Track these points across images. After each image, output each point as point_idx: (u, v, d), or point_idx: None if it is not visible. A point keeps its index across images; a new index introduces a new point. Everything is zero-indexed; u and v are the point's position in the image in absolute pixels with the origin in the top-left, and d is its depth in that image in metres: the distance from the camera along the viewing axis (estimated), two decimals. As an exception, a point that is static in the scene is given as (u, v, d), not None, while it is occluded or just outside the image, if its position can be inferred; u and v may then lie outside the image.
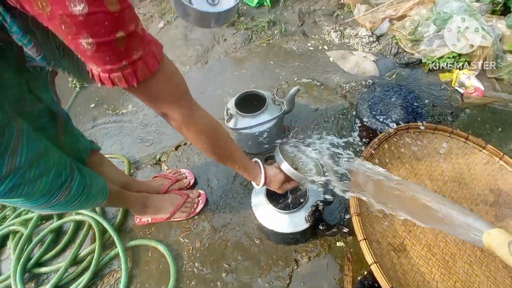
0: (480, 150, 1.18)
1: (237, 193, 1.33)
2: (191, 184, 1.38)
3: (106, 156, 1.53)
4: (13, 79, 0.70)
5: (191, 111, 0.69)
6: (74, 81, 1.93)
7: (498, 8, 1.89)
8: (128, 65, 0.49)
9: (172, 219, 1.26)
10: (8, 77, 0.68)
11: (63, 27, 0.42)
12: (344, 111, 1.55)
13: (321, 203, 1.05)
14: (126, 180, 1.23)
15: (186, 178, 1.38)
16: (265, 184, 0.93)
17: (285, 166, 0.94)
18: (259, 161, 0.94)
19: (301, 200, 1.08)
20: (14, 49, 0.69)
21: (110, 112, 1.76)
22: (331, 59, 1.84)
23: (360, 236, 0.88)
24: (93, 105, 1.82)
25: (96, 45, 0.44)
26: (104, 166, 1.14)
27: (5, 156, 0.62)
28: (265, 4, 2.18)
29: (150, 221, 1.26)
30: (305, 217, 1.04)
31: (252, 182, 0.96)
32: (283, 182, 0.96)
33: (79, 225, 1.31)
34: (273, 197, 1.09)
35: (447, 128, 1.20)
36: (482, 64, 1.64)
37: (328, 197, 1.08)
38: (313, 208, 1.04)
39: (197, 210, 1.28)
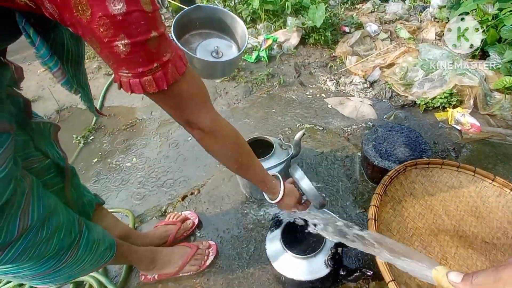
0: (490, 183, 1.18)
1: (249, 241, 1.27)
2: (195, 224, 1.33)
3: (110, 210, 1.49)
4: (20, 135, 0.70)
5: (216, 115, 0.68)
6: (78, 137, 1.95)
7: (477, 53, 2.06)
8: (159, 67, 0.50)
9: (181, 274, 1.18)
10: (16, 133, 0.69)
11: (101, 30, 0.43)
12: (349, 152, 1.58)
13: (340, 246, 1.00)
14: (130, 234, 1.18)
15: (189, 219, 1.34)
16: (282, 198, 0.89)
17: (306, 182, 0.91)
18: (277, 174, 0.92)
19: (318, 245, 1.03)
20: (21, 105, 0.71)
21: (114, 166, 1.75)
22: (329, 105, 1.92)
23: (387, 277, 0.83)
24: (95, 159, 1.82)
25: (131, 46, 0.45)
26: (109, 220, 1.10)
27: (17, 216, 0.59)
28: (262, 59, 2.35)
29: (156, 277, 1.17)
30: (325, 262, 0.99)
31: (266, 196, 0.93)
32: (298, 199, 0.94)
33: (78, 286, 1.21)
34: (289, 243, 1.05)
35: (454, 163, 1.22)
36: (474, 102, 1.73)
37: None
38: (332, 251, 0.99)
39: (208, 263, 1.20)
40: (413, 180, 1.20)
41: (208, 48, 1.02)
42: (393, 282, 0.81)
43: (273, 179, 0.89)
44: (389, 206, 1.09)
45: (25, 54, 2.87)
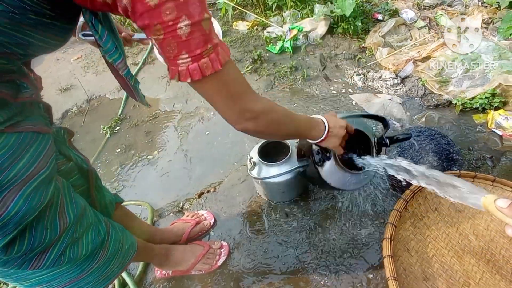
0: (530, 201, 1.06)
1: (262, 245, 1.26)
2: (211, 225, 1.36)
3: (131, 202, 1.55)
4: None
5: (261, 96, 0.70)
6: (105, 128, 2.02)
7: (529, 46, 1.83)
8: (212, 48, 0.55)
9: (193, 272, 1.21)
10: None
11: (167, 13, 0.48)
12: (372, 156, 1.49)
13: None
14: (149, 230, 1.22)
15: (205, 219, 1.36)
16: (327, 135, 0.83)
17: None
18: (318, 115, 0.87)
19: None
20: (42, 110, 0.73)
21: (137, 158, 1.80)
22: (354, 102, 1.82)
23: (388, 273, 0.79)
24: (118, 150, 1.88)
25: (191, 27, 0.50)
26: (128, 219, 1.13)
27: (56, 215, 0.63)
28: (287, 50, 2.25)
29: (170, 274, 1.21)
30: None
31: (310, 140, 0.87)
32: (344, 132, 0.87)
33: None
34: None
35: (489, 176, 1.11)
36: (520, 104, 1.55)
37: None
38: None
39: (219, 263, 1.22)
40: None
41: None
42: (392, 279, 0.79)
43: (314, 121, 0.84)
44: (409, 223, 1.02)
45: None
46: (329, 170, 0.98)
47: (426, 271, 0.93)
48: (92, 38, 0.62)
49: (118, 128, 2.05)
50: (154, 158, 1.78)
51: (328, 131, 0.83)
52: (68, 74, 2.64)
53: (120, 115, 2.12)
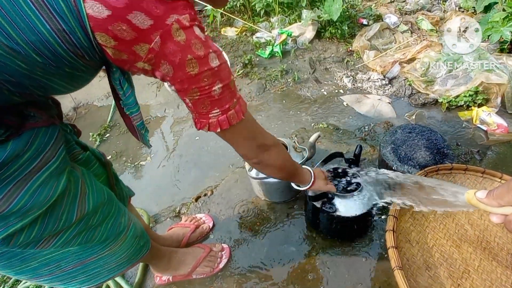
0: (518, 190, 1.11)
1: (263, 245, 1.26)
2: (211, 228, 1.35)
3: (125, 210, 1.52)
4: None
5: (269, 133, 0.81)
6: (95, 135, 1.98)
7: (505, 46, 1.94)
8: (236, 102, 0.64)
9: (194, 276, 1.18)
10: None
11: (205, 80, 0.56)
12: (366, 154, 1.52)
13: None
14: (150, 233, 1.19)
15: (204, 223, 1.35)
16: (313, 183, 0.99)
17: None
18: (305, 166, 1.03)
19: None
20: (53, 106, 0.72)
21: (129, 164, 1.77)
22: (345, 103, 1.86)
23: (394, 263, 0.81)
24: (109, 157, 1.84)
25: (222, 88, 0.59)
26: (136, 215, 1.12)
27: (75, 203, 0.64)
28: (276, 55, 2.29)
29: (171, 279, 1.18)
30: None
31: (295, 185, 1.04)
32: (326, 178, 1.07)
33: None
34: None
35: (479, 168, 1.15)
36: (501, 100, 1.63)
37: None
38: None
39: (221, 266, 1.20)
40: (434, 187, 1.15)
41: None
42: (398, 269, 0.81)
43: (305, 171, 1.00)
44: (408, 215, 1.05)
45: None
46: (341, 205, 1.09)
47: (428, 260, 0.95)
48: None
49: (108, 135, 2.01)
50: (147, 164, 1.75)
51: (313, 181, 1.00)
52: (53, 82, 2.57)
53: (109, 122, 2.08)
